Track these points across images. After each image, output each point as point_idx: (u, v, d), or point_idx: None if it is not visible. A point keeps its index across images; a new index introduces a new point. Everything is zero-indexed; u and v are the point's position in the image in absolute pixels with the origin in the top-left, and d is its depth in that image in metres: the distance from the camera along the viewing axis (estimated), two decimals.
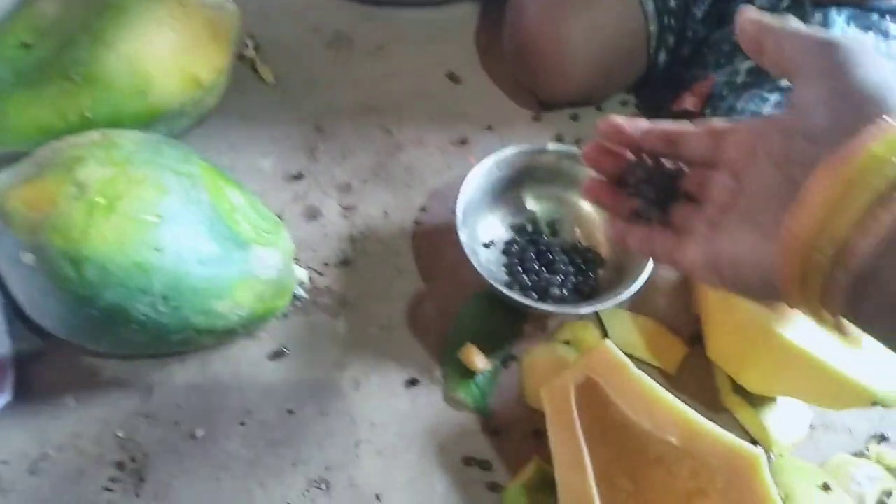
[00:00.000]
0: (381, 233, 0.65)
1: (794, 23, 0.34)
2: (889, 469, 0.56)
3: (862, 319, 0.31)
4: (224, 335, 0.53)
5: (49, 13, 0.55)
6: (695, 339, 0.61)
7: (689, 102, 0.68)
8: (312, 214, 0.66)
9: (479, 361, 0.57)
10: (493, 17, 0.81)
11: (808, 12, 0.65)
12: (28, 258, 0.46)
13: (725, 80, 0.67)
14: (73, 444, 0.52)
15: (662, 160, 0.40)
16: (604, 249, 0.63)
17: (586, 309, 0.56)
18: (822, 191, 0.29)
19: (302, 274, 0.59)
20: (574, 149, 0.64)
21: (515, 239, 0.63)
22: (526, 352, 0.59)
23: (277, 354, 0.58)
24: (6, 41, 0.55)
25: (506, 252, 0.63)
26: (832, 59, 0.32)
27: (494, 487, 0.53)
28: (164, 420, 0.54)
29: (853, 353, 0.50)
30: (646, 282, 0.57)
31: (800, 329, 0.51)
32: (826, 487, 0.52)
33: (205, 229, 0.50)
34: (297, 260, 0.62)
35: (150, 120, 0.59)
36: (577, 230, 0.65)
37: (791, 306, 0.33)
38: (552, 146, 0.63)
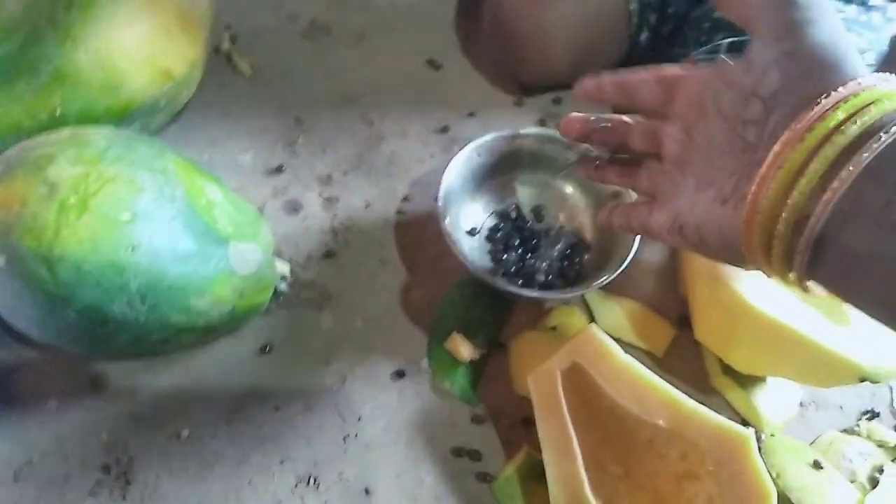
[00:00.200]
0: (363, 224, 0.65)
1: None
2: (880, 445, 0.56)
3: (823, 281, 0.32)
4: (206, 333, 0.52)
5: (13, 9, 0.54)
6: (683, 321, 0.60)
7: None
8: (294, 208, 0.65)
9: (466, 350, 0.56)
10: (472, 2, 0.80)
11: None
12: (0, 260, 0.45)
13: (706, 56, 0.66)
14: (57, 448, 0.52)
15: None
16: (588, 234, 0.63)
17: (571, 294, 0.56)
18: (781, 162, 0.30)
19: (284, 268, 0.59)
20: (555, 132, 0.63)
21: (499, 225, 0.63)
22: (513, 339, 0.59)
23: (262, 351, 0.57)
24: None
25: (490, 239, 0.62)
26: (788, 16, 0.32)
27: (484, 477, 0.53)
28: (149, 421, 0.54)
29: (840, 330, 0.50)
30: (630, 265, 0.57)
31: (786, 307, 0.50)
32: (817, 465, 0.52)
33: (180, 226, 0.49)
34: (278, 254, 0.61)
35: (123, 115, 0.58)
36: (561, 215, 0.64)
37: (756, 269, 0.34)
38: (532, 130, 0.63)
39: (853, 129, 0.28)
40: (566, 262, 0.60)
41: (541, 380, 0.51)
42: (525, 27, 0.68)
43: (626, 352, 0.50)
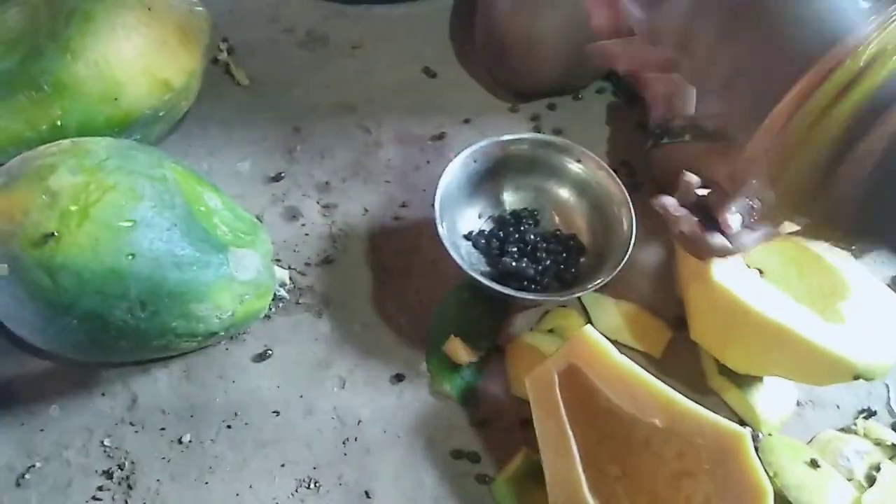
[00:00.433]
0: (361, 230, 0.65)
1: None
2: (877, 443, 0.56)
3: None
4: (206, 338, 0.53)
5: (13, 24, 0.55)
6: (679, 322, 0.61)
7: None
8: (292, 215, 0.66)
9: (464, 353, 0.57)
10: (466, 11, 0.81)
11: None
12: (2, 269, 0.45)
13: None
14: (59, 454, 0.52)
15: None
16: (584, 236, 0.63)
17: (568, 296, 0.56)
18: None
19: (283, 274, 0.59)
20: (550, 137, 0.64)
21: (496, 230, 0.63)
22: (511, 342, 0.59)
23: (262, 356, 0.58)
24: None
25: (487, 243, 0.62)
26: None
27: (483, 479, 0.53)
28: (150, 426, 0.54)
29: (834, 328, 0.50)
30: (627, 267, 0.57)
31: (780, 306, 0.51)
32: (814, 464, 0.52)
33: (180, 233, 0.49)
34: (278, 261, 0.62)
35: (123, 126, 0.59)
36: (557, 218, 0.65)
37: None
38: (527, 135, 0.64)
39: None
40: (562, 265, 0.61)
41: (538, 381, 0.52)
42: (516, 36, 0.69)
43: (623, 353, 0.50)
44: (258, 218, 0.64)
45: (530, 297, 0.57)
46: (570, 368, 0.51)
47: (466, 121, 0.74)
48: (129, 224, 0.47)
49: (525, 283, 0.59)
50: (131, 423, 0.54)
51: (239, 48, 0.77)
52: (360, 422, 0.55)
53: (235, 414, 0.55)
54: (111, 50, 0.57)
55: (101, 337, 0.48)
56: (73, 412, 0.54)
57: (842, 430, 0.57)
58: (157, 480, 0.52)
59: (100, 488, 0.51)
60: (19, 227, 0.45)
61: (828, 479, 0.51)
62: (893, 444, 0.56)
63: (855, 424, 0.58)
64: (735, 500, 0.45)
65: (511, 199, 0.65)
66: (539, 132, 0.72)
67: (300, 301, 0.61)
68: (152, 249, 0.48)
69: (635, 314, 0.61)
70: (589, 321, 0.61)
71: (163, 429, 0.54)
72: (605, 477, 0.51)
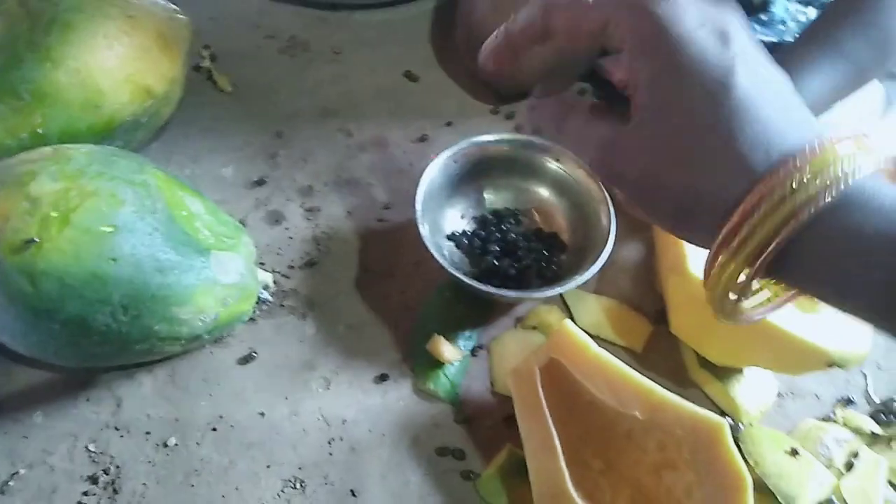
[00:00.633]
0: (345, 233, 0.66)
1: None
2: (856, 431, 0.57)
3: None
4: (190, 342, 0.53)
5: None
6: (660, 316, 0.62)
7: None
8: (275, 219, 0.66)
9: (447, 352, 0.57)
10: (446, 15, 0.82)
11: None
12: None
13: None
14: (43, 460, 0.52)
15: None
16: (565, 234, 0.64)
17: (549, 293, 0.57)
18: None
19: (266, 277, 0.60)
20: (529, 137, 0.65)
21: (478, 229, 0.64)
22: (494, 340, 0.60)
23: (246, 359, 0.58)
24: None
25: (469, 243, 0.63)
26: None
27: (469, 475, 0.54)
28: (135, 431, 0.54)
29: (809, 318, 0.51)
30: (608, 264, 0.58)
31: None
32: (794, 453, 0.53)
33: (162, 237, 0.50)
34: (261, 264, 0.63)
35: (105, 133, 0.59)
36: (538, 217, 0.65)
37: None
38: (507, 135, 0.64)
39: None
40: (544, 263, 0.62)
41: (520, 377, 0.52)
42: None
43: (605, 348, 0.51)
44: (241, 222, 0.65)
45: (512, 294, 0.58)
46: (551, 363, 0.52)
47: (448, 123, 0.75)
48: (111, 229, 0.48)
49: (507, 281, 0.60)
50: (116, 428, 0.54)
51: (221, 55, 0.77)
52: (344, 422, 0.56)
53: (220, 416, 0.55)
54: (92, 58, 0.57)
55: (83, 342, 0.48)
56: (58, 418, 0.54)
57: (821, 419, 0.58)
58: (143, 484, 0.52)
59: (85, 493, 0.51)
60: (0, 233, 0.46)
61: (808, 467, 0.52)
62: (872, 432, 0.57)
63: (834, 413, 0.58)
64: (715, 489, 0.45)
65: (492, 199, 0.66)
66: (519, 133, 0.73)
67: (284, 304, 0.61)
68: (134, 254, 0.48)
69: (616, 309, 0.62)
70: (571, 317, 0.61)
71: (148, 433, 0.54)
72: (588, 471, 0.51)
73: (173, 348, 0.53)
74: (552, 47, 0.40)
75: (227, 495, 0.52)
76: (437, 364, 0.58)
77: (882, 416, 0.58)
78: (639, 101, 0.34)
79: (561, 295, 0.62)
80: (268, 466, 0.53)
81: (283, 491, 0.52)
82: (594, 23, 0.35)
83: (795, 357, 0.51)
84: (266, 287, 0.59)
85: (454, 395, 0.57)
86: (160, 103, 0.62)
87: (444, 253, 0.61)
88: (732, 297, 0.34)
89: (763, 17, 0.68)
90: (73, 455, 0.53)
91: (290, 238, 0.65)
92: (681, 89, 0.33)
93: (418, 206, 0.59)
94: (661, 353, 0.60)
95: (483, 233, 0.63)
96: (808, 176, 0.30)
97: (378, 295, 0.62)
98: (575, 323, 0.61)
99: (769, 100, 0.32)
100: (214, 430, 0.55)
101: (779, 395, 0.59)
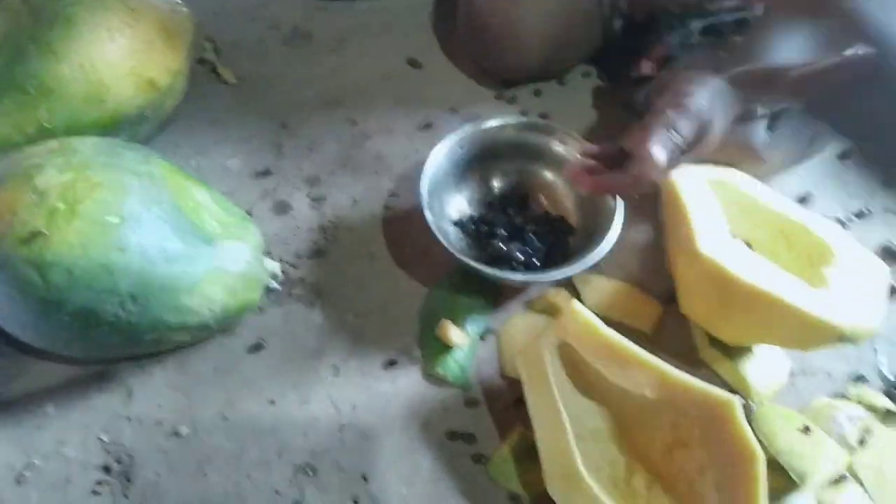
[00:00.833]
0: (351, 221, 0.66)
1: None
2: (869, 408, 0.56)
3: None
4: (199, 331, 0.53)
5: None
6: (670, 298, 0.61)
7: (646, 68, 0.68)
8: (282, 209, 0.66)
9: (456, 336, 0.57)
10: (448, 1, 0.82)
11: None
12: None
13: (679, 41, 0.67)
14: (57, 451, 0.53)
15: None
16: (572, 217, 0.64)
17: (557, 275, 0.57)
18: None
19: (274, 266, 0.60)
20: (534, 120, 0.65)
21: (484, 214, 0.64)
22: (503, 324, 0.60)
23: (255, 348, 0.58)
24: None
25: (476, 228, 0.63)
26: None
27: (480, 459, 0.54)
28: (147, 420, 0.55)
29: (819, 293, 0.50)
30: (617, 246, 0.58)
31: (766, 274, 0.51)
32: (806, 430, 0.52)
33: (169, 227, 0.50)
34: (269, 254, 0.63)
35: (110, 126, 0.60)
36: (545, 201, 0.65)
37: None
38: (512, 119, 0.64)
39: None
40: (551, 247, 0.61)
41: (529, 360, 0.52)
42: (497, 21, 0.70)
43: (615, 330, 0.50)
44: (248, 213, 0.65)
45: (520, 278, 0.57)
46: (561, 346, 0.51)
47: (453, 110, 0.74)
48: (117, 220, 0.48)
49: (515, 265, 0.60)
50: (128, 418, 0.55)
51: (225, 47, 0.77)
52: (355, 408, 0.56)
53: (231, 405, 0.55)
54: (95, 52, 0.57)
55: (93, 332, 0.49)
56: (70, 409, 0.54)
57: (834, 397, 0.58)
58: (156, 473, 0.52)
59: (99, 483, 0.52)
60: (8, 225, 0.46)
61: (820, 444, 0.52)
62: (886, 410, 0.56)
63: (847, 391, 0.58)
64: (727, 467, 0.45)
65: (498, 184, 0.66)
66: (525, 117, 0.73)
67: (292, 293, 0.61)
68: (141, 244, 0.48)
69: (626, 291, 0.61)
70: (580, 300, 0.61)
71: (159, 422, 0.54)
72: (601, 452, 0.51)
73: (182, 338, 0.53)
74: None
75: (240, 483, 0.52)
76: (446, 349, 0.57)
77: (895, 392, 0.58)
78: None
79: (570, 278, 0.62)
80: (279, 454, 0.53)
81: (295, 477, 0.53)
82: None
83: (806, 333, 0.50)
84: (274, 276, 0.60)
85: (463, 379, 0.57)
86: (164, 96, 0.63)
87: (451, 239, 0.61)
88: None
89: None
90: (87, 445, 0.53)
91: (297, 227, 0.65)
92: None
93: (424, 193, 0.59)
94: (672, 334, 0.60)
95: (490, 217, 0.63)
96: None
97: (386, 282, 0.62)
98: (584, 305, 0.60)
99: None
100: (225, 418, 0.55)
101: (791, 373, 0.59)
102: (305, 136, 0.71)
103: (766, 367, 0.57)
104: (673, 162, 0.52)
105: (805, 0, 0.41)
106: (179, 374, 0.57)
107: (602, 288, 0.61)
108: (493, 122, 0.63)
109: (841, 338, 0.48)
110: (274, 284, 0.60)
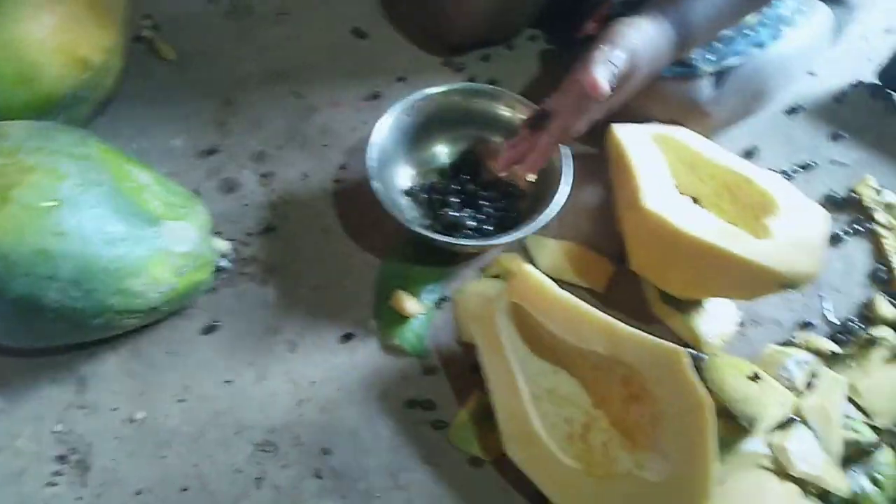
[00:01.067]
0: (301, 196, 0.65)
1: None
2: (816, 353, 0.58)
3: None
4: (148, 314, 0.52)
5: None
6: (622, 256, 0.62)
7: (590, 28, 0.68)
8: (230, 187, 0.65)
9: (410, 306, 0.57)
10: None
11: None
12: None
13: (621, 0, 0.67)
14: (9, 445, 0.52)
15: None
16: (522, 182, 0.64)
17: (507, 239, 0.57)
18: None
19: (224, 246, 0.59)
20: (480, 86, 0.64)
21: (435, 183, 0.64)
22: (458, 291, 0.60)
23: (210, 328, 0.57)
24: None
25: (427, 196, 0.63)
26: None
27: (439, 425, 0.54)
28: (102, 408, 0.54)
29: (761, 243, 0.51)
30: (568, 207, 0.58)
31: (709, 226, 0.52)
32: (755, 378, 0.53)
33: (109, 209, 0.49)
34: (219, 233, 0.62)
35: (44, 109, 0.58)
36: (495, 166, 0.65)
37: None
38: (458, 85, 0.63)
39: None
40: (503, 212, 0.62)
41: (482, 324, 0.52)
42: None
43: (568, 290, 0.51)
44: (195, 193, 0.64)
45: (472, 244, 0.57)
46: (514, 308, 0.52)
47: (401, 79, 0.74)
48: (54, 204, 0.47)
49: (467, 232, 0.60)
50: (82, 407, 0.54)
51: (163, 24, 0.75)
52: (313, 383, 0.56)
53: (187, 387, 0.55)
54: (21, 30, 0.55)
55: (36, 320, 0.48)
56: (21, 402, 0.53)
57: (783, 344, 0.59)
58: (114, 460, 0.52)
59: (55, 473, 0.51)
60: None
61: (769, 390, 0.53)
62: (832, 353, 0.58)
63: (794, 338, 0.59)
64: (678, 416, 0.46)
65: (448, 151, 0.66)
66: (473, 83, 0.72)
67: (245, 271, 0.61)
68: (80, 228, 0.47)
69: (577, 252, 0.62)
70: (533, 264, 0.61)
71: (115, 409, 0.54)
72: (560, 408, 0.52)
73: (131, 321, 0.52)
74: None
75: (200, 464, 0.52)
76: (402, 319, 0.57)
77: (841, 336, 0.59)
78: None
79: (522, 242, 0.63)
80: (237, 433, 0.53)
81: (255, 455, 0.52)
82: None
83: (749, 281, 0.51)
84: (224, 255, 0.59)
85: (420, 347, 0.57)
86: (99, 75, 0.61)
87: (403, 208, 0.61)
88: None
89: None
90: (40, 437, 0.52)
91: (246, 205, 0.64)
92: None
93: (371, 164, 0.58)
94: (625, 292, 0.61)
95: (442, 186, 0.63)
96: None
97: (339, 255, 0.62)
98: (537, 268, 0.61)
99: None
100: (182, 401, 0.54)
101: (741, 324, 0.60)
102: (250, 112, 0.70)
103: (716, 319, 0.58)
104: (613, 89, 0.52)
105: None
106: (133, 360, 0.56)
107: (554, 250, 0.62)
108: (437, 89, 0.62)
109: (783, 284, 0.50)
110: (224, 263, 0.59)
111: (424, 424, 0.54)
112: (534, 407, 0.50)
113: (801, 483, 0.50)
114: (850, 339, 0.59)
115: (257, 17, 0.77)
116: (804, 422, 0.52)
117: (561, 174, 0.59)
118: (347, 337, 0.58)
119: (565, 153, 0.59)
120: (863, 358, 0.57)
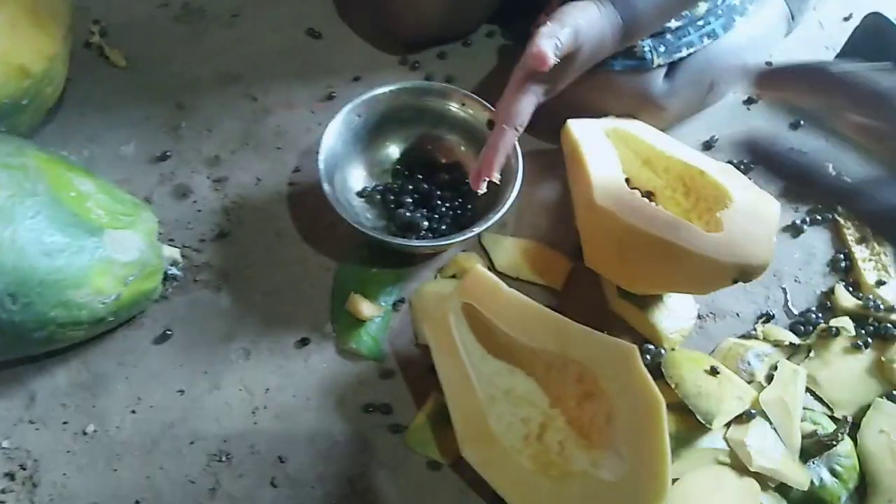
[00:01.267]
0: (255, 200, 0.64)
1: None
2: (776, 344, 0.58)
3: None
4: (94, 325, 0.51)
5: None
6: (579, 253, 0.61)
7: (542, 20, 0.67)
8: (182, 193, 0.64)
9: (366, 309, 0.56)
10: None
11: None
12: None
13: None
14: None
15: None
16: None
17: (462, 238, 0.56)
18: None
19: (173, 253, 0.58)
20: (430, 84, 0.64)
21: (388, 184, 0.63)
22: (414, 292, 0.59)
23: (162, 338, 0.56)
24: None
25: (381, 198, 0.62)
26: None
27: (397, 429, 0.53)
28: (51, 422, 0.53)
29: (713, 237, 0.51)
30: (524, 205, 0.57)
31: (660, 221, 0.51)
32: (713, 371, 0.53)
33: (46, 220, 0.48)
34: (171, 240, 0.61)
35: None
36: (449, 163, 0.64)
37: None
38: (408, 84, 0.63)
39: None
40: (458, 210, 0.61)
41: (435, 325, 0.52)
42: None
43: (526, 288, 0.50)
44: (147, 199, 0.63)
45: (425, 244, 0.57)
46: (468, 309, 0.51)
47: (356, 79, 0.73)
48: None
49: (423, 232, 0.59)
50: (31, 422, 0.52)
51: (112, 29, 0.74)
52: (268, 390, 0.55)
53: (139, 399, 0.54)
54: None
55: None
56: None
57: (743, 336, 0.59)
58: (64, 475, 0.51)
59: (2, 491, 0.50)
60: None
61: (727, 383, 0.53)
62: (791, 343, 0.58)
63: (755, 330, 0.59)
64: (631, 413, 0.46)
65: (400, 151, 0.65)
66: (431, 81, 0.71)
67: (197, 278, 0.60)
68: (14, 240, 0.46)
69: (535, 250, 0.61)
70: (490, 262, 0.61)
71: (65, 423, 0.53)
72: (515, 409, 0.51)
73: (77, 334, 0.51)
74: None
75: (152, 476, 0.51)
76: (358, 323, 0.57)
77: (800, 327, 0.59)
78: None
79: (480, 241, 0.62)
80: (191, 442, 0.52)
81: (209, 465, 0.51)
82: None
83: (701, 274, 0.51)
84: (174, 263, 0.58)
85: (377, 351, 0.56)
86: (41, 83, 0.59)
87: (357, 211, 0.60)
88: None
89: None
90: None
91: (199, 211, 0.63)
92: None
93: (321, 166, 0.57)
94: (584, 289, 0.60)
95: (395, 186, 0.62)
96: None
97: (293, 260, 0.61)
98: (494, 267, 0.60)
99: None
100: (133, 412, 0.53)
101: (701, 317, 0.60)
102: (203, 116, 0.69)
103: (675, 313, 0.58)
104: (557, 64, 0.53)
105: None
106: (83, 372, 0.55)
107: (511, 248, 0.61)
108: (386, 88, 0.62)
109: (734, 277, 0.49)
110: (174, 271, 0.58)
111: (382, 429, 0.53)
112: (489, 408, 0.49)
113: (760, 477, 0.50)
114: (810, 330, 0.59)
115: (209, 20, 0.76)
116: (763, 415, 0.52)
117: (515, 172, 0.58)
118: (303, 342, 0.57)
119: (517, 150, 0.59)
120: (823, 348, 0.57)
